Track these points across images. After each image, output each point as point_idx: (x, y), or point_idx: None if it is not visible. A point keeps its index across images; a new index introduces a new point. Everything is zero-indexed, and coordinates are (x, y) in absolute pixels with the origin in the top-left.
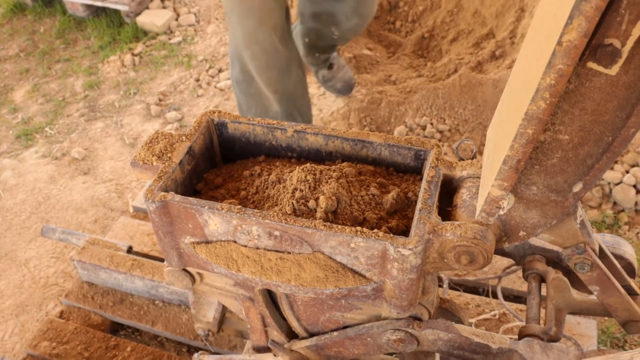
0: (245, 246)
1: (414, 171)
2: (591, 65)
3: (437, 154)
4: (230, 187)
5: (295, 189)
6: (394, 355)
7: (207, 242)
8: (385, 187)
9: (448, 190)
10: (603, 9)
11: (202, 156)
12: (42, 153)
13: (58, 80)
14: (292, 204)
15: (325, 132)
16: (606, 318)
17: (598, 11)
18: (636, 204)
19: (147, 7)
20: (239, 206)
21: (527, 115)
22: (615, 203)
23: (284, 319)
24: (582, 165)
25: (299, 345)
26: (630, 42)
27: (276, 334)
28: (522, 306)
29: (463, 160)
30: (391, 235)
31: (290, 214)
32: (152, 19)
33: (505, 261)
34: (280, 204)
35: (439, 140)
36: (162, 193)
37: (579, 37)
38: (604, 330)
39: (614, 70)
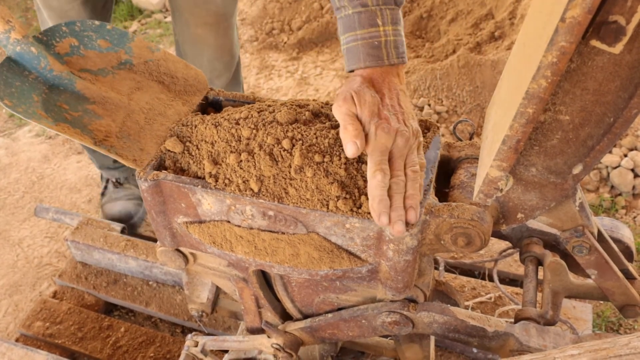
0: (239, 226)
1: None
2: (594, 43)
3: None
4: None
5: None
6: (389, 338)
7: (201, 222)
8: None
9: (445, 171)
10: None
11: None
12: (36, 132)
13: None
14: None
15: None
16: (601, 302)
17: None
18: (634, 187)
19: None
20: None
21: (528, 94)
22: (612, 187)
23: (278, 300)
24: (582, 147)
25: (292, 327)
26: (635, 20)
27: (270, 316)
28: (517, 289)
29: (461, 141)
30: None
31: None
32: None
33: (502, 244)
34: None
35: (436, 122)
36: (155, 171)
37: (583, 14)
38: (599, 314)
39: (618, 48)
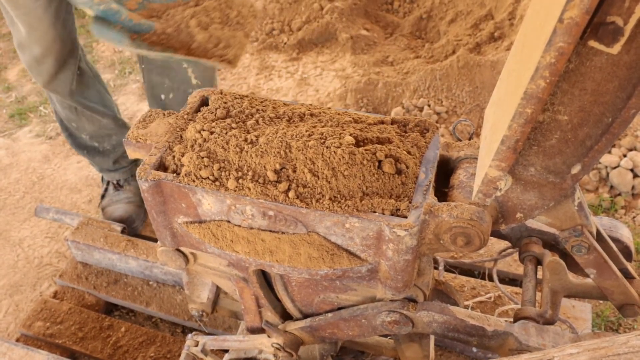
0: (239, 226)
1: None
2: (592, 43)
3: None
4: None
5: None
6: (389, 337)
7: (201, 222)
8: None
9: (445, 171)
10: None
11: None
12: (36, 132)
13: None
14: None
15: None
16: (601, 301)
17: None
18: (633, 187)
19: None
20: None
21: (527, 95)
22: (612, 187)
23: (278, 300)
24: (580, 147)
25: (293, 327)
26: (633, 20)
27: (270, 315)
28: (517, 289)
29: (460, 141)
30: (387, 216)
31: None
32: None
33: (502, 244)
34: None
35: (436, 122)
36: (155, 171)
37: (581, 14)
38: (599, 313)
39: (616, 49)
